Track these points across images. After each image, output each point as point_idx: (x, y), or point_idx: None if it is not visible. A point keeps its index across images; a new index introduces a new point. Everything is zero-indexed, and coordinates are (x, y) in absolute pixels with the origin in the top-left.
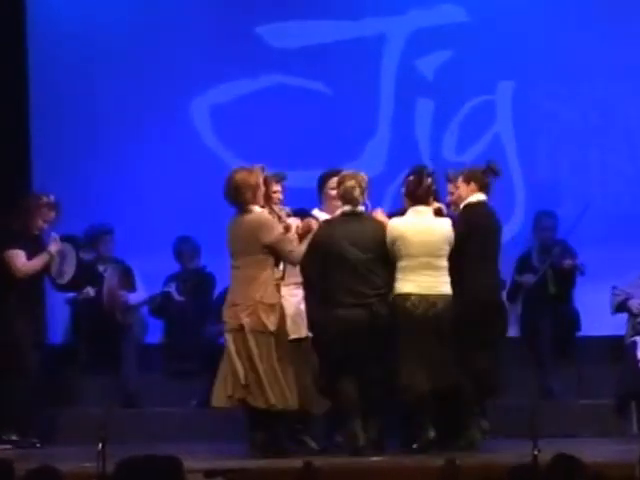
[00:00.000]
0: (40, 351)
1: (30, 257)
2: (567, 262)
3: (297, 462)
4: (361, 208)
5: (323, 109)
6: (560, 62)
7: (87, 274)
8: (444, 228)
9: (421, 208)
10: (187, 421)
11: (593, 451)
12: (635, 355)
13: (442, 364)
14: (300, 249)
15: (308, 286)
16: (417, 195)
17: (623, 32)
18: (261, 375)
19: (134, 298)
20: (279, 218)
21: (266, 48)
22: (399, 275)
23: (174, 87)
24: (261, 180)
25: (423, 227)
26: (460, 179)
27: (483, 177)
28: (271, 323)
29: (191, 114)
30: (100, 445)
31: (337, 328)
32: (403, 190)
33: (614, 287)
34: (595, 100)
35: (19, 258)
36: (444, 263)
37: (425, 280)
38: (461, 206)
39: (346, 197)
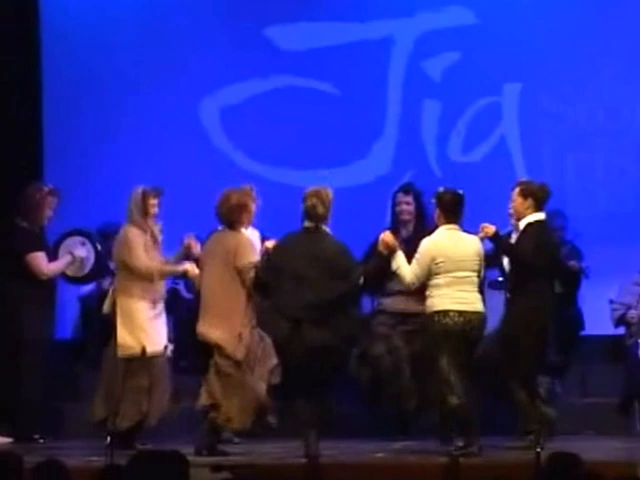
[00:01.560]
0: (49, 346)
1: (40, 249)
2: (572, 263)
3: (302, 459)
4: (323, 226)
5: (331, 110)
6: (566, 64)
7: (104, 266)
8: (477, 244)
9: (453, 225)
10: (195, 417)
11: (596, 450)
12: (637, 355)
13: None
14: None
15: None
16: (456, 212)
17: (629, 34)
18: None
19: None
20: (152, 233)
21: (275, 50)
22: (436, 292)
23: (183, 88)
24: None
25: (459, 244)
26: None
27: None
28: None
29: (200, 115)
30: (108, 440)
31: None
32: (437, 207)
33: (611, 301)
34: (601, 102)
35: (42, 260)
36: (477, 280)
37: (462, 297)
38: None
39: (309, 214)
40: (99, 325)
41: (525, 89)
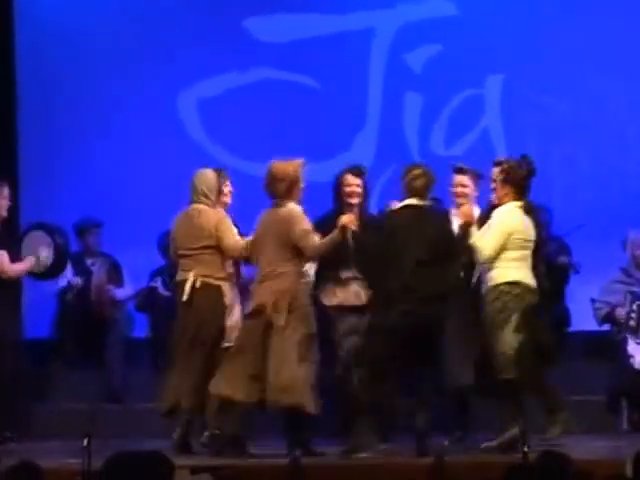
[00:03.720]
0: (18, 346)
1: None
2: (561, 259)
3: (284, 460)
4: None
5: (311, 103)
6: (549, 55)
7: (65, 260)
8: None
9: (521, 203)
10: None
11: (583, 448)
12: (626, 351)
13: None
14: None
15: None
16: (528, 188)
17: (613, 25)
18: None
19: (121, 293)
20: None
21: (253, 42)
22: (511, 264)
23: (161, 80)
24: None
25: (526, 222)
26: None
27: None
28: None
29: (178, 108)
30: (85, 441)
31: None
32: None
33: (593, 300)
34: (585, 93)
35: (4, 259)
36: None
37: (528, 271)
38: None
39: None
40: (74, 323)
41: (508, 81)
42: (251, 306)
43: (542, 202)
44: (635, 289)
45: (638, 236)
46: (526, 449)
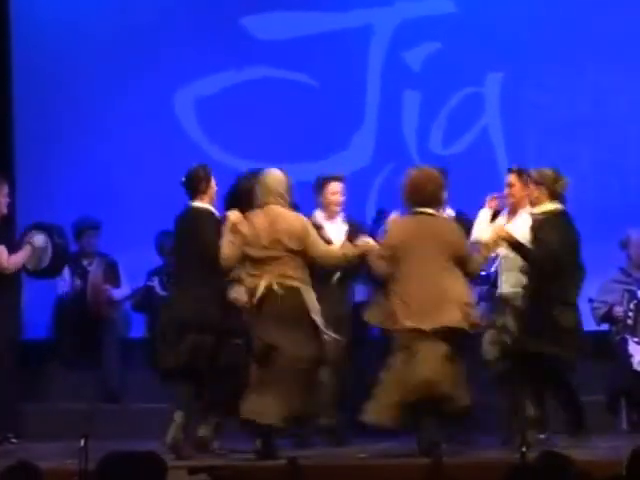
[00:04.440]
0: (16, 346)
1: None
2: None
3: (281, 459)
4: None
5: (309, 101)
6: (549, 53)
7: (64, 259)
8: None
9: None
10: (170, 417)
11: (583, 448)
12: (626, 351)
13: None
14: None
15: None
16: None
17: (613, 23)
18: None
19: (118, 293)
20: None
21: (251, 40)
22: None
23: (158, 79)
24: None
25: None
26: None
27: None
28: None
29: (175, 106)
30: (82, 441)
31: None
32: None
33: (591, 300)
34: (585, 91)
35: (2, 254)
36: None
37: None
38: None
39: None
40: (72, 324)
41: (507, 79)
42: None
43: None
44: (633, 288)
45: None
46: (524, 449)
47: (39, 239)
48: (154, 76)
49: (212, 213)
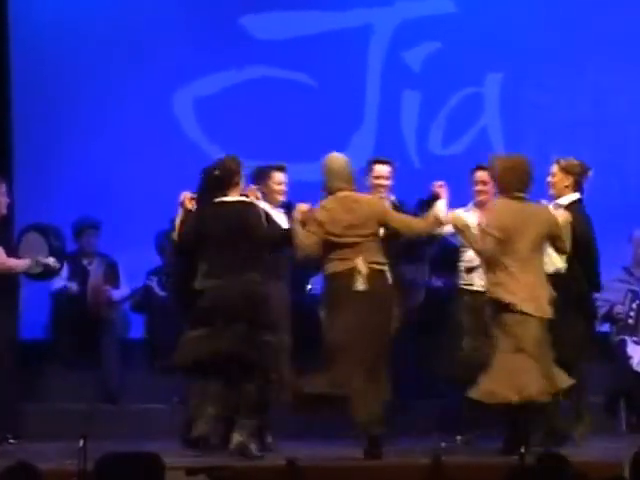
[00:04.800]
0: (16, 346)
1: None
2: None
3: (280, 460)
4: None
5: (308, 101)
6: (549, 54)
7: (61, 260)
8: None
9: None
10: (169, 418)
11: (582, 449)
12: (625, 352)
13: None
14: None
15: None
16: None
17: (613, 23)
18: None
19: (118, 294)
20: None
21: (250, 39)
22: None
23: (156, 79)
24: None
25: None
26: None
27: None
28: None
29: (174, 106)
30: (81, 442)
31: None
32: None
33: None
34: (585, 92)
35: (1, 256)
36: None
37: None
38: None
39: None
40: (70, 324)
41: (507, 79)
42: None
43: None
44: (636, 288)
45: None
46: (523, 450)
47: (45, 258)
48: (153, 76)
49: (257, 205)
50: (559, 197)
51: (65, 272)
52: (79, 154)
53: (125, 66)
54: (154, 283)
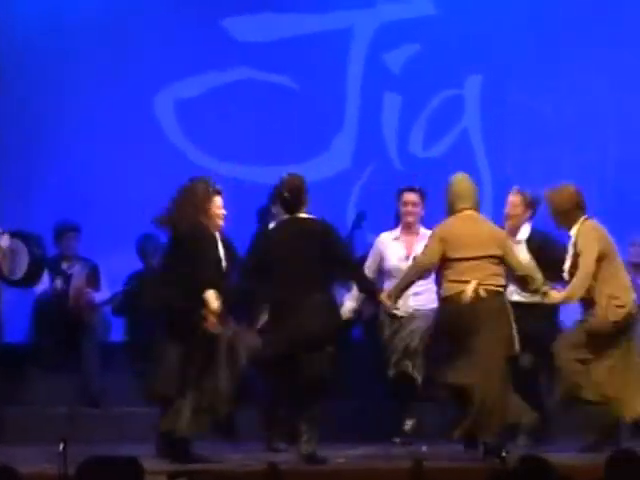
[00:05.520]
0: None
1: None
2: None
3: (262, 464)
4: None
5: (290, 103)
6: (529, 55)
7: (41, 269)
8: None
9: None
10: (150, 421)
11: (566, 452)
12: None
13: None
14: None
15: None
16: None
17: (595, 25)
18: None
19: (99, 297)
20: None
21: (232, 42)
22: None
23: (138, 80)
24: None
25: None
26: None
27: None
28: None
29: (155, 108)
30: (61, 446)
31: None
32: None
33: None
34: (566, 94)
35: None
36: None
37: None
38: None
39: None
40: (52, 327)
41: (487, 81)
42: None
43: None
44: None
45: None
46: (504, 454)
47: (4, 240)
48: (134, 78)
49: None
50: (516, 228)
51: (45, 275)
52: (60, 157)
53: (107, 67)
54: (135, 287)
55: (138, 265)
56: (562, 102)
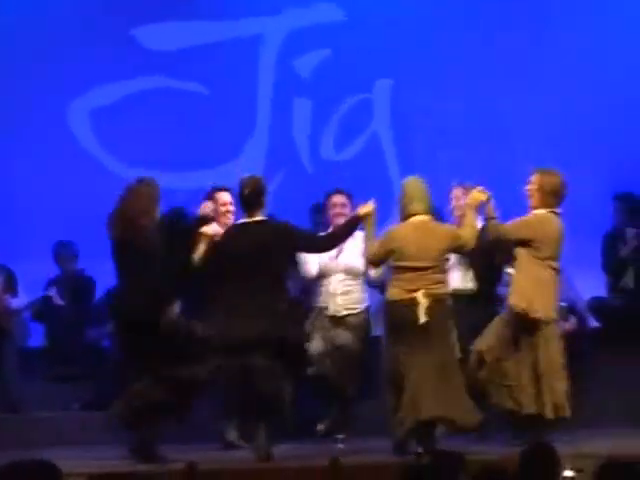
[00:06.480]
0: None
1: None
2: None
3: (179, 465)
4: None
5: (201, 110)
6: (437, 59)
7: None
8: None
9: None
10: (69, 426)
11: (484, 446)
12: None
13: None
14: None
15: None
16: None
17: (499, 28)
18: None
19: (16, 303)
20: None
21: (143, 50)
22: None
23: (51, 90)
24: None
25: None
26: None
27: None
28: None
29: (69, 116)
30: None
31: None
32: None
33: None
34: (474, 97)
35: None
36: None
37: None
38: None
39: None
40: None
41: (396, 85)
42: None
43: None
44: None
45: None
46: (420, 450)
47: None
48: (47, 87)
49: None
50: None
51: None
52: None
53: (20, 77)
54: (53, 292)
55: (56, 271)
56: (470, 105)
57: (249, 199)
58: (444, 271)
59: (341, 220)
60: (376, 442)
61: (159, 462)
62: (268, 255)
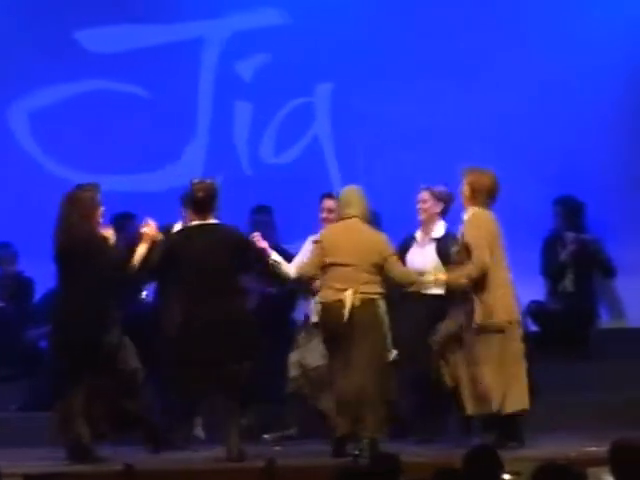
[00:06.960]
0: None
1: None
2: None
3: (117, 465)
4: None
5: (142, 113)
6: (379, 63)
7: None
8: None
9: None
10: (7, 426)
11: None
12: None
13: None
14: None
15: None
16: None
17: (441, 31)
18: None
19: None
20: None
21: (84, 53)
22: None
23: None
24: None
25: None
26: None
27: None
28: None
29: (9, 117)
30: None
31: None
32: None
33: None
34: (417, 100)
35: None
36: None
37: None
38: None
39: None
40: None
41: (337, 89)
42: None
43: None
44: None
45: None
46: (357, 452)
47: None
48: None
49: None
50: (429, 223)
51: None
52: None
53: None
54: None
55: None
56: (410, 108)
57: (203, 202)
58: (375, 272)
59: (328, 224)
60: (315, 445)
61: (96, 462)
62: (222, 258)
